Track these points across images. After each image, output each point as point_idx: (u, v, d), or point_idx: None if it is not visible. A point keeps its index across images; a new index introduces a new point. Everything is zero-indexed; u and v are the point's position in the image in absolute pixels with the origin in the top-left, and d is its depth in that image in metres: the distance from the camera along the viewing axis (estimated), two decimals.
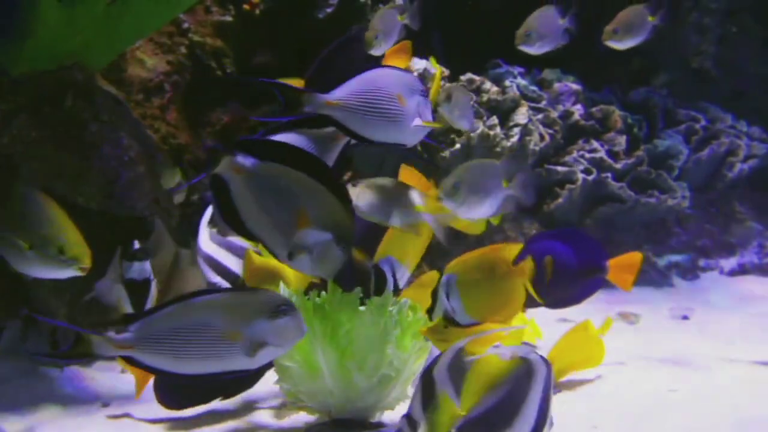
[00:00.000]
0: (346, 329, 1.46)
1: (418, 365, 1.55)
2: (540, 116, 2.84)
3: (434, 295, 1.40)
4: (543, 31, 1.87)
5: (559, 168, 2.82)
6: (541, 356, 1.12)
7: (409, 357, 1.50)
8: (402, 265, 1.49)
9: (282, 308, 1.18)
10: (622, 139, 2.97)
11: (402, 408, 1.63)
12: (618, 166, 2.90)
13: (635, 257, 1.59)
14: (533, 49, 1.88)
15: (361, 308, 1.50)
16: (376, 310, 1.49)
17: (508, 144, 2.64)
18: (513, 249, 1.41)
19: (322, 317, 1.48)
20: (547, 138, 2.79)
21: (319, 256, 1.24)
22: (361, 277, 1.56)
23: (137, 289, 1.70)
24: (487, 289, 1.41)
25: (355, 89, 1.31)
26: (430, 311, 1.43)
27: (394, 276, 1.48)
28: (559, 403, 1.78)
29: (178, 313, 1.15)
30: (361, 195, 1.41)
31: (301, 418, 1.58)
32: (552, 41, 1.90)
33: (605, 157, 2.89)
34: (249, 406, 1.67)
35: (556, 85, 3.03)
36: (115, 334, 1.15)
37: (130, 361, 1.16)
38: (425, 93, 1.37)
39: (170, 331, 1.15)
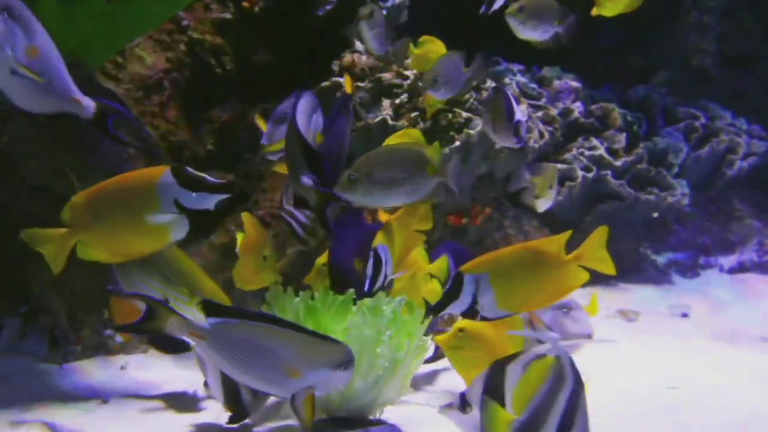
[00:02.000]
0: (337, 332, 1.46)
1: (417, 362, 1.55)
2: (539, 114, 2.84)
3: (448, 295, 1.42)
4: (448, 78, 1.98)
5: (559, 165, 2.82)
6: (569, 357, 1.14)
7: (404, 356, 1.50)
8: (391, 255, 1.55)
9: (347, 363, 1.23)
10: (621, 137, 2.97)
11: (403, 405, 1.63)
12: (618, 163, 2.90)
13: None
14: (439, 95, 1.99)
15: (354, 308, 1.51)
16: (368, 311, 1.49)
17: None
18: (558, 241, 1.44)
19: (313, 320, 1.48)
20: (547, 135, 2.79)
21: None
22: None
23: None
24: (533, 282, 1.44)
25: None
26: (433, 309, 1.44)
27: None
28: None
29: (260, 331, 1.18)
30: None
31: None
32: (454, 87, 1.99)
33: (605, 155, 2.89)
34: None
35: (556, 83, 3.03)
36: (195, 320, 1.17)
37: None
38: None
39: (244, 343, 1.17)
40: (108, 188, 1.33)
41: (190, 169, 1.29)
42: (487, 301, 1.42)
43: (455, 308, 1.42)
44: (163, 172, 1.28)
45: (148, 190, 1.27)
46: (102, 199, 1.31)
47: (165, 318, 1.17)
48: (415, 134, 1.69)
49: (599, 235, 1.43)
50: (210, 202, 1.28)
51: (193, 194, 1.26)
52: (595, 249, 1.43)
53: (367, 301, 1.51)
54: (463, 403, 1.25)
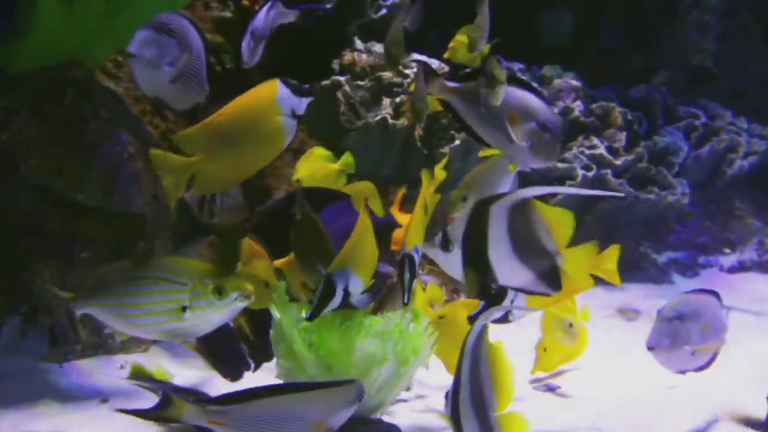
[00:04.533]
0: (341, 366, 1.46)
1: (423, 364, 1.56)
2: None
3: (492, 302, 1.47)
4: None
5: (559, 164, 2.82)
6: None
7: (410, 368, 1.51)
8: (357, 277, 1.36)
9: (360, 397, 1.23)
10: (622, 136, 2.97)
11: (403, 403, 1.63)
12: (618, 162, 2.89)
13: None
14: None
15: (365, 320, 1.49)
16: (376, 335, 1.47)
17: None
18: (585, 250, 1.46)
19: (316, 357, 1.46)
20: None
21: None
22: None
23: None
24: None
25: None
26: (476, 315, 1.47)
27: (347, 290, 1.35)
28: (559, 401, 1.79)
29: (276, 403, 1.17)
30: None
31: None
32: None
33: (605, 154, 2.89)
34: None
35: (556, 82, 3.03)
36: (212, 407, 1.16)
37: None
38: None
39: (265, 418, 1.16)
40: (231, 113, 1.36)
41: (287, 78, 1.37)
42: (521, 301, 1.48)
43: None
44: (278, 86, 1.35)
45: (271, 104, 1.34)
46: (228, 124, 1.34)
47: (181, 408, 1.16)
48: (322, 152, 1.70)
49: (613, 251, 1.46)
50: (304, 106, 1.35)
51: (301, 100, 1.35)
52: (608, 262, 1.47)
53: (375, 323, 1.49)
54: (445, 240, 1.25)
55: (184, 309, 1.29)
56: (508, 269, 1.23)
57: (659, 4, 3.55)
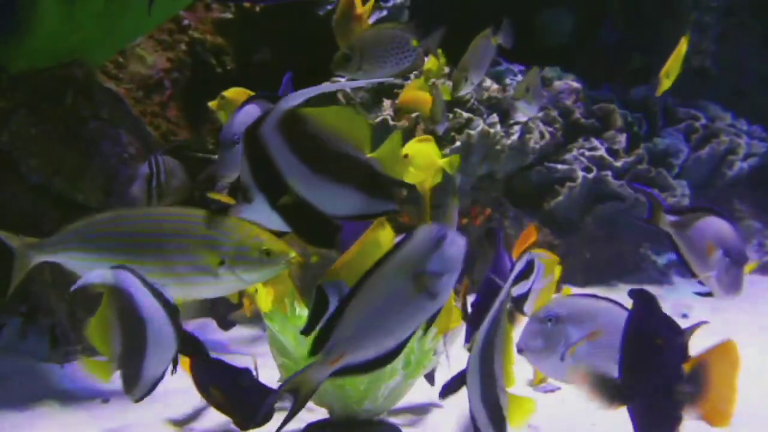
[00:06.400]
0: (348, 381, 1.45)
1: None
2: (540, 114, 2.84)
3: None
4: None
5: (559, 166, 2.82)
6: None
7: (415, 381, 1.53)
8: None
9: (441, 236, 1.00)
10: (622, 137, 2.97)
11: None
12: (618, 164, 2.90)
13: None
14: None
15: None
16: None
17: (508, 142, 2.64)
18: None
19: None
20: (548, 136, 2.79)
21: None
22: None
23: None
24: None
25: None
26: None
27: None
28: (557, 401, 1.78)
29: (370, 292, 1.00)
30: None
31: (301, 416, 1.58)
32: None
33: (605, 155, 2.89)
34: None
35: (556, 84, 3.03)
36: None
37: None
38: None
39: (368, 317, 1.00)
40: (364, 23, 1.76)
41: None
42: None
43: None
44: None
45: None
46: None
47: None
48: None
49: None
50: None
51: None
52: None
53: None
54: (242, 192, 1.05)
55: (222, 263, 1.22)
56: (322, 194, 1.02)
57: (659, 5, 3.55)
